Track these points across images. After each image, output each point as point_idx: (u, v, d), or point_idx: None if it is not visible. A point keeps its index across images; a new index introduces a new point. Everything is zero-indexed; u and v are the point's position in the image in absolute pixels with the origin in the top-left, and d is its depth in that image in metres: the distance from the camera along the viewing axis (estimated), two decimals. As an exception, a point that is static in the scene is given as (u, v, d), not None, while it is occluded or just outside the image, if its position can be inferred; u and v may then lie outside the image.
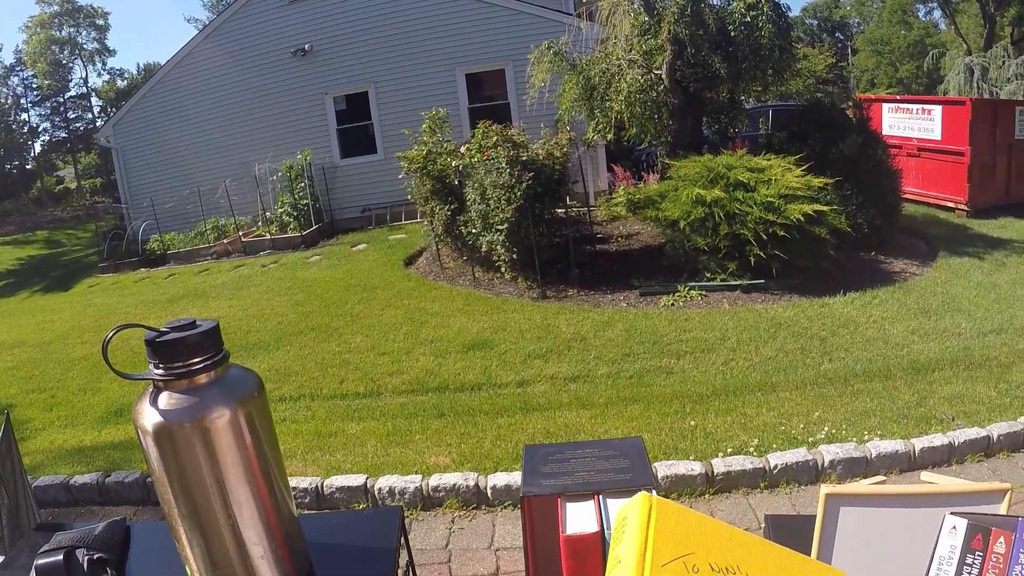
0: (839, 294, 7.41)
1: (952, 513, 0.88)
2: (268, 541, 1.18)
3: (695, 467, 4.43)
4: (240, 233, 14.07)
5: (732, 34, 9.42)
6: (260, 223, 14.36)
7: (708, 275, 8.03)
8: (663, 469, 4.42)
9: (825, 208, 7.66)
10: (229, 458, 1.10)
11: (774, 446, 4.63)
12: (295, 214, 13.82)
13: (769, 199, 7.59)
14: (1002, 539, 0.84)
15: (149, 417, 1.08)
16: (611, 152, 13.13)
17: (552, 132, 9.45)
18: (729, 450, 4.62)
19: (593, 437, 4.90)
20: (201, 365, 1.09)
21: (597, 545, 1.13)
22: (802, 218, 7.42)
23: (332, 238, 13.48)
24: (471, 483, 4.46)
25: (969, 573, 0.85)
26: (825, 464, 4.38)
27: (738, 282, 7.79)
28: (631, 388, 5.72)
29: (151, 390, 1.10)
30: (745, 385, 5.60)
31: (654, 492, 1.22)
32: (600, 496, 1.21)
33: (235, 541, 1.15)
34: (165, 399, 1.08)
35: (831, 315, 6.92)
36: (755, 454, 4.55)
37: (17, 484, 1.52)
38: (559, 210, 9.03)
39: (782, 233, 7.45)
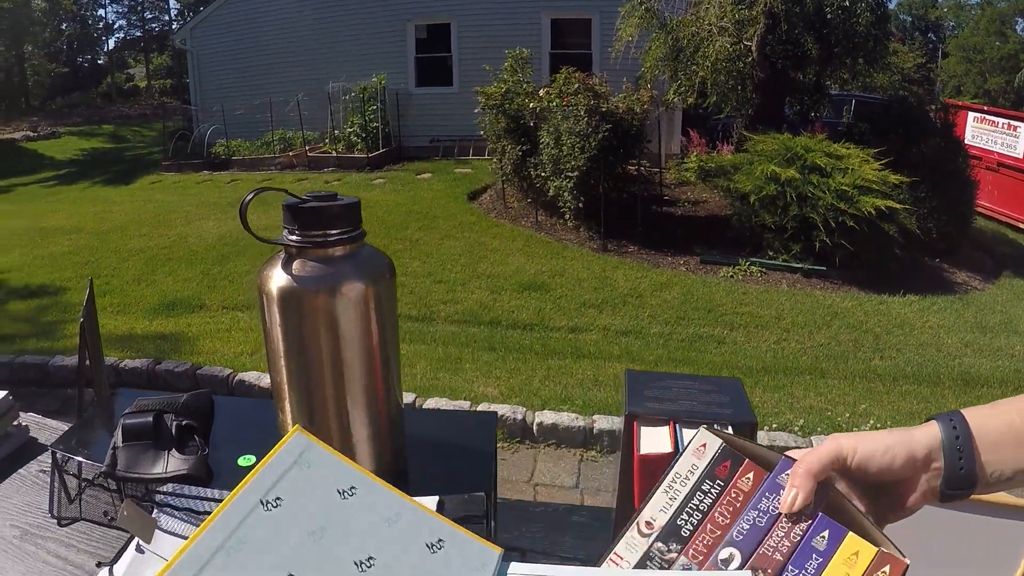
0: (898, 294, 7.29)
1: (707, 429, 0.79)
2: (373, 425, 1.20)
3: (740, 435, 4.44)
4: (306, 147, 14.10)
5: (828, 16, 9.20)
6: (328, 140, 14.37)
7: (771, 253, 7.95)
8: (708, 431, 4.44)
9: (898, 206, 7.52)
10: (352, 333, 1.11)
11: (818, 429, 4.62)
12: (363, 135, 13.82)
13: (843, 188, 7.47)
14: (751, 476, 0.76)
15: (278, 281, 1.09)
16: (688, 117, 12.97)
17: (633, 88, 9.35)
18: (775, 425, 4.63)
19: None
20: (339, 236, 1.09)
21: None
22: (874, 212, 7.30)
23: (398, 164, 13.48)
24: (518, 416, 4.51)
25: (700, 500, 0.76)
26: (866, 454, 4.35)
27: (800, 265, 7.71)
28: (682, 350, 5.72)
29: (283, 256, 1.11)
30: (795, 367, 5.57)
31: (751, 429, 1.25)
32: (675, 423, 1.25)
33: (341, 420, 1.17)
34: (298, 265, 1.09)
35: (888, 313, 6.83)
36: (799, 434, 4.54)
37: (95, 350, 1.56)
38: (630, 167, 8.98)
39: (851, 224, 7.34)
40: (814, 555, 0.71)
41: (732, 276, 7.64)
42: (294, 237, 1.09)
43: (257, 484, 0.73)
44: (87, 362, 1.52)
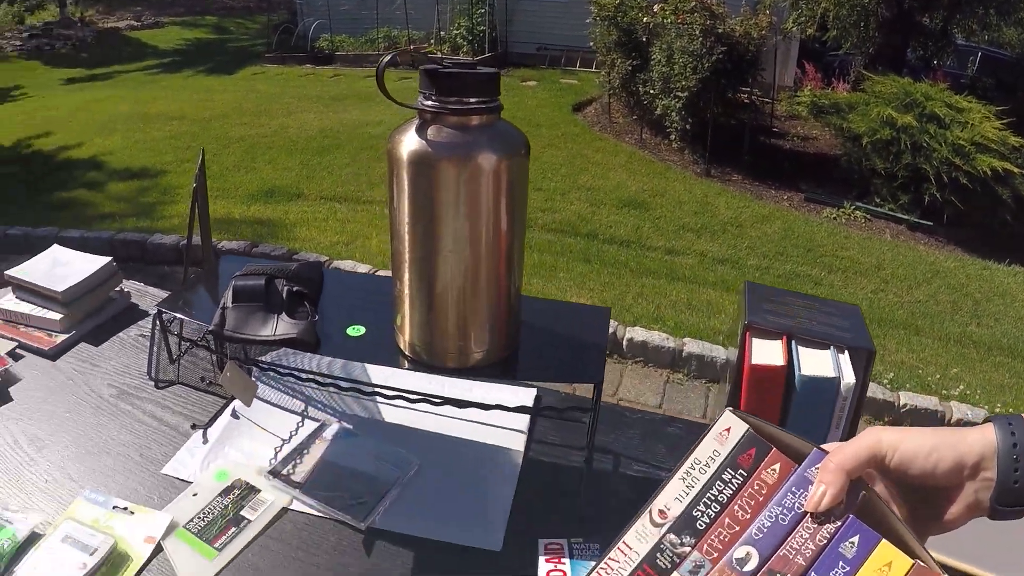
0: (1004, 262, 6.97)
1: (733, 412, 0.72)
2: (493, 303, 1.18)
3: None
4: (411, 46, 13.98)
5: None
6: (433, 41, 14.21)
7: (877, 200, 7.70)
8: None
9: (1015, 170, 7.16)
10: (482, 205, 1.09)
11: (907, 385, 4.51)
12: (469, 38, 13.59)
13: (961, 142, 7.16)
14: (777, 467, 0.69)
15: (409, 145, 1.07)
16: (804, 49, 12.51)
17: (751, 12, 9.03)
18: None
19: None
20: (476, 105, 1.06)
21: (781, 379, 1.15)
22: (989, 172, 7.00)
23: (503, 69, 13.18)
24: (610, 331, 4.49)
25: (720, 490, 0.70)
26: (952, 420, 4.23)
27: (906, 216, 7.46)
28: (778, 286, 5.61)
29: (416, 122, 1.09)
30: (891, 319, 5.44)
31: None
32: (789, 338, 1.21)
33: (460, 294, 1.15)
34: (433, 131, 1.07)
35: (991, 280, 6.57)
36: (888, 387, 4.44)
37: (203, 216, 1.57)
38: (742, 93, 8.75)
39: (964, 181, 7.05)
40: (841, 562, 0.65)
41: (835, 218, 7.44)
42: (430, 102, 1.06)
43: None
44: (195, 234, 1.53)
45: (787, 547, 0.67)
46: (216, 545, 1.24)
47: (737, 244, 6.31)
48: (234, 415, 1.55)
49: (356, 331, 1.32)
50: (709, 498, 0.70)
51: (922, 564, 0.64)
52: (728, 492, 0.69)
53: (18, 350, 1.70)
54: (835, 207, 7.62)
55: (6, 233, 5.62)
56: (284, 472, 1.38)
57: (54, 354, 1.70)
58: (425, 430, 1.56)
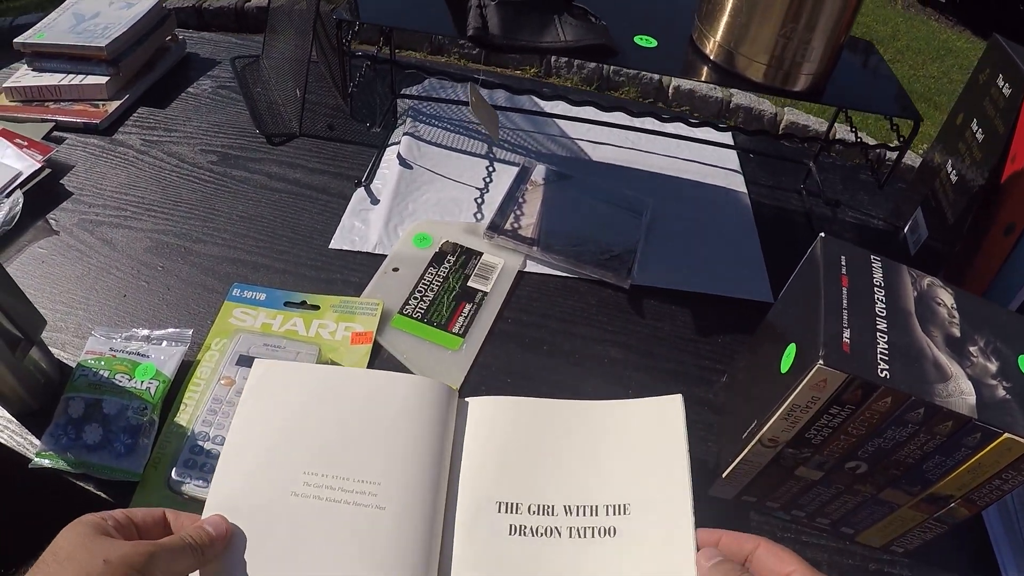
0: (1010, 46, 6.79)
1: (824, 364, 0.63)
2: (838, 19, 0.93)
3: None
4: None
5: None
6: None
7: (888, -31, 7.31)
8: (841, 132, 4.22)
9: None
10: None
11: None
12: None
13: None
14: (889, 399, 0.61)
15: None
16: None
17: None
18: (893, 143, 4.39)
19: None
20: None
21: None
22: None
23: None
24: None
25: (828, 422, 0.65)
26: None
27: (919, -11, 7.11)
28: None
29: None
30: (910, 90, 5.24)
31: None
32: None
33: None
34: None
35: (998, 62, 6.40)
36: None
37: None
38: None
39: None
40: (963, 448, 0.63)
41: (847, -17, 7.04)
42: None
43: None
44: None
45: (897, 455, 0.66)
46: (455, 330, 0.91)
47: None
48: (403, 163, 1.19)
49: (646, 41, 1.01)
50: (819, 427, 0.66)
51: None
52: (838, 421, 0.65)
53: (56, 132, 1.24)
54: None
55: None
56: (507, 227, 1.06)
57: (108, 127, 1.26)
58: (637, 168, 1.27)
